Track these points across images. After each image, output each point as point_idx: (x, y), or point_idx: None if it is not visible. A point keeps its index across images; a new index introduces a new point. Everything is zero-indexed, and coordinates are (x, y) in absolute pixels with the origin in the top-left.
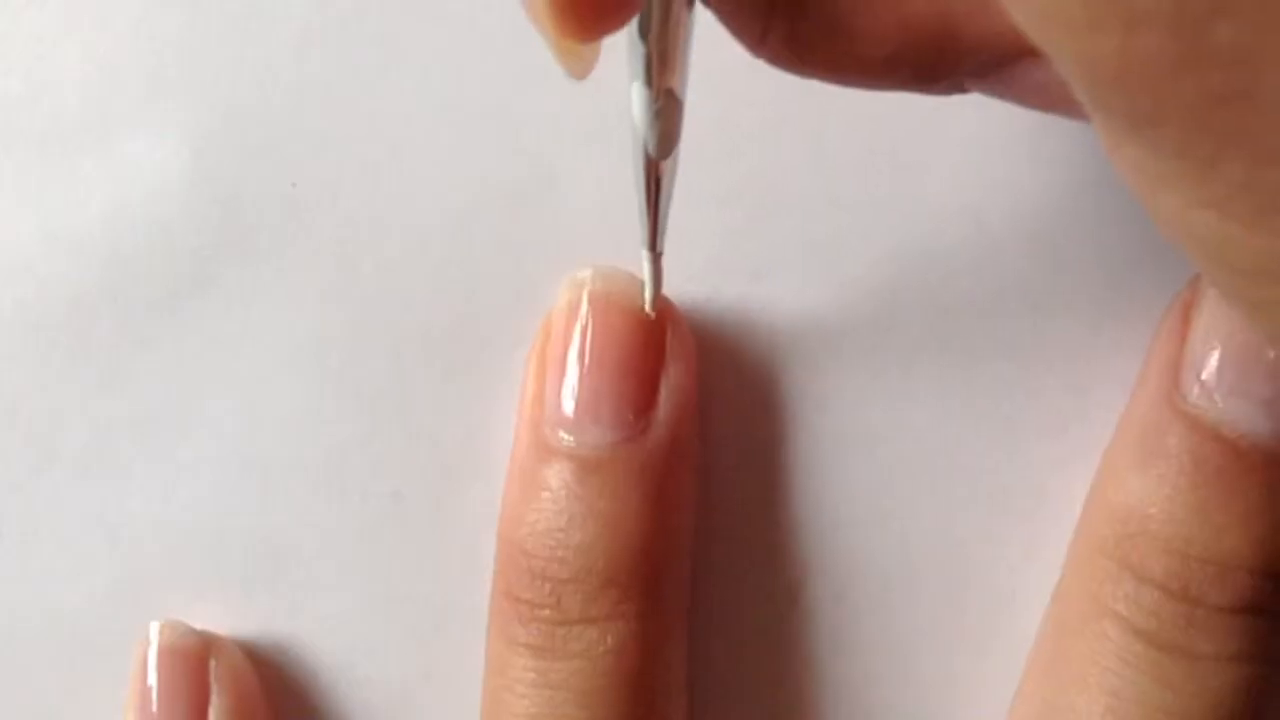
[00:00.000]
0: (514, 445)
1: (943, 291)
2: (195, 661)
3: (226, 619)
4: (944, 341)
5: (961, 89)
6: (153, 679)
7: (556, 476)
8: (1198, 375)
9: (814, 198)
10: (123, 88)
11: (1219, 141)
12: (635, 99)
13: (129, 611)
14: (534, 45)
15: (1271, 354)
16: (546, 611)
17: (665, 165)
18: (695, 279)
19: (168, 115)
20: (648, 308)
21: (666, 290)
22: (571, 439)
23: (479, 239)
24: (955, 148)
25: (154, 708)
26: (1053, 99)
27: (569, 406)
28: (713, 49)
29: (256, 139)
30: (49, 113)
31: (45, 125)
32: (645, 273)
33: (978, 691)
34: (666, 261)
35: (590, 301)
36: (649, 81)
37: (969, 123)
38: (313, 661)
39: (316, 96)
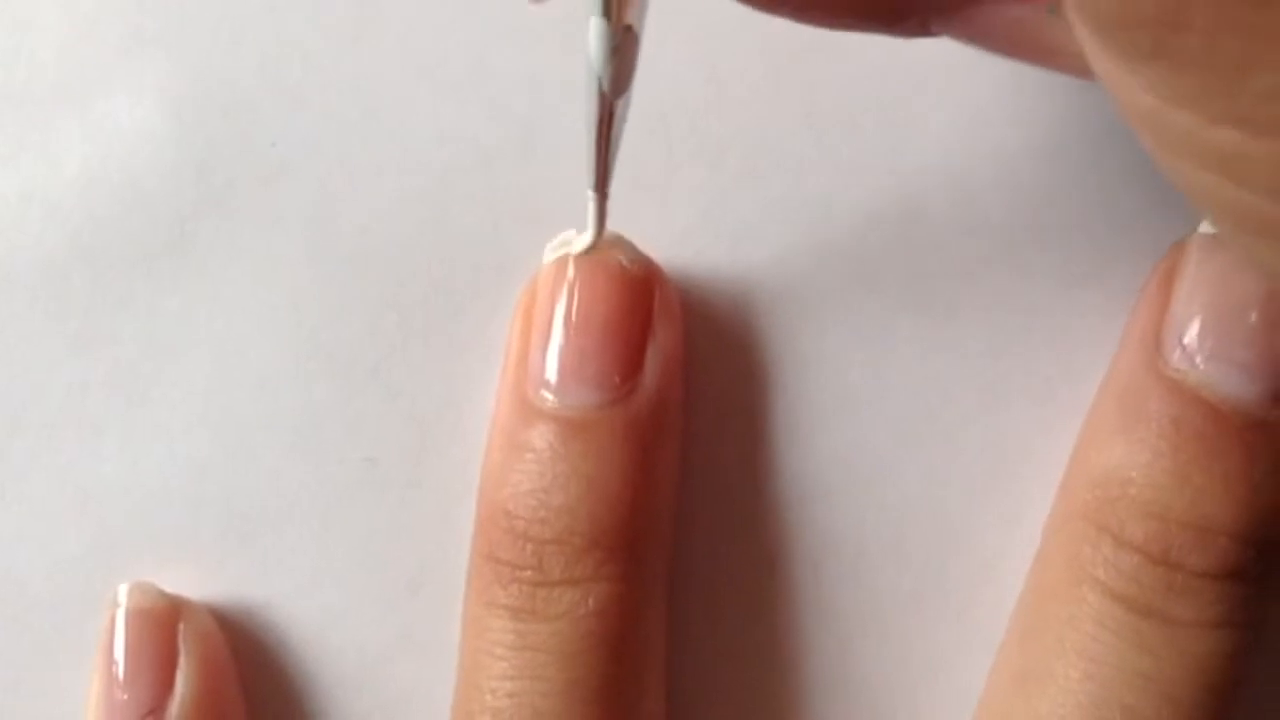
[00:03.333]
0: (497, 407)
1: (927, 255)
2: (164, 624)
3: (198, 583)
4: (927, 305)
5: (927, 31)
6: (120, 641)
7: (541, 438)
8: (1179, 339)
9: (799, 160)
10: (100, 46)
11: (1250, 45)
12: (592, 34)
13: (99, 575)
14: (513, 5)
15: (1253, 318)
16: (528, 573)
17: (619, 104)
18: (679, 242)
19: (145, 74)
20: (574, 249)
21: (652, 252)
22: (556, 400)
23: (457, 201)
24: (941, 111)
25: (121, 671)
26: (1014, 42)
27: (554, 368)
28: (701, 9)
29: (233, 99)
30: (26, 72)
31: (22, 84)
32: (590, 214)
33: (958, 657)
34: (650, 223)
35: (577, 263)
36: (608, 15)
37: (955, 85)
38: (284, 627)
39: (294, 56)
